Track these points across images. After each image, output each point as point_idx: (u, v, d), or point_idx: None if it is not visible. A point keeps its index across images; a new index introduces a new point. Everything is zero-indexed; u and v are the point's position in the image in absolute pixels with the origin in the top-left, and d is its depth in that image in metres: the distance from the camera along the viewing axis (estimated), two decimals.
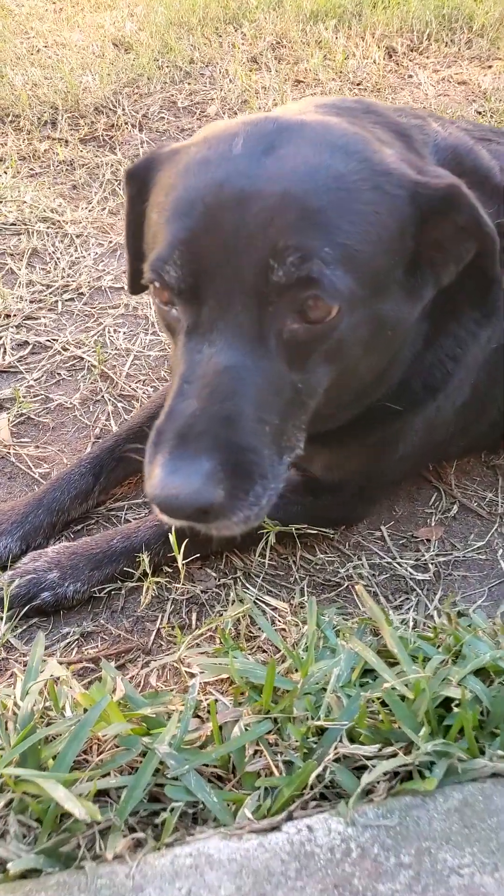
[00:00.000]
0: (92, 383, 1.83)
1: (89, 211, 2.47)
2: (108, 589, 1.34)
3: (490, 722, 0.98)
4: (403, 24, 3.79)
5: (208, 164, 0.99)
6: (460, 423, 1.43)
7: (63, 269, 2.20)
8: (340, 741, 0.94)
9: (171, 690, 1.12)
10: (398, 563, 1.45)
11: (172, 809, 0.88)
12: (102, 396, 1.80)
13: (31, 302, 2.07)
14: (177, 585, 1.36)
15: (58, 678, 1.04)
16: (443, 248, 1.07)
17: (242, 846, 0.83)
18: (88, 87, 3.13)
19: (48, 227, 2.38)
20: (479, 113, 3.16)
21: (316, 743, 0.96)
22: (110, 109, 3.05)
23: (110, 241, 2.34)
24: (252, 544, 1.43)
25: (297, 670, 1.07)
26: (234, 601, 1.34)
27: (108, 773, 0.92)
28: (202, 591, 1.36)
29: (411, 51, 3.68)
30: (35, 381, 1.83)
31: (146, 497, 0.93)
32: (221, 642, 1.18)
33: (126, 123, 2.97)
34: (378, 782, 0.91)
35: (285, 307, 0.95)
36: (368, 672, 1.06)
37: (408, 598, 1.39)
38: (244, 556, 1.43)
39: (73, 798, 0.82)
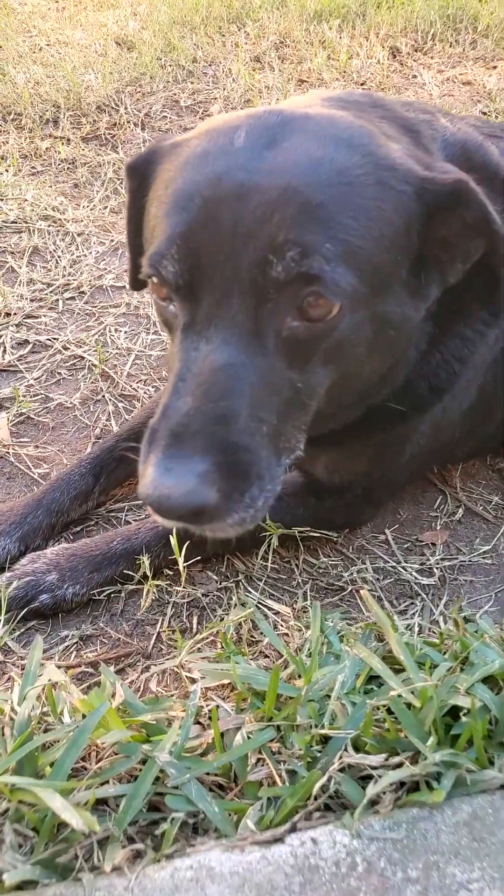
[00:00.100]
0: (92, 383, 1.81)
1: (91, 209, 2.45)
2: (107, 591, 1.32)
3: (499, 732, 0.96)
4: (408, 24, 3.77)
5: (208, 156, 0.97)
6: (467, 425, 1.40)
7: (64, 267, 2.19)
8: (345, 750, 0.92)
9: (172, 696, 1.10)
10: (403, 568, 1.43)
11: (173, 820, 0.86)
12: (103, 396, 1.78)
13: (31, 300, 2.05)
14: (177, 588, 1.34)
15: (56, 683, 1.01)
16: (450, 246, 1.05)
17: (245, 859, 0.81)
18: (91, 86, 3.11)
19: (49, 226, 2.36)
20: (485, 113, 3.14)
21: (320, 752, 0.94)
22: (112, 108, 3.03)
23: (111, 240, 2.32)
24: (254, 547, 1.41)
25: (300, 676, 1.05)
26: (235, 605, 1.32)
27: (107, 782, 0.90)
28: (203, 595, 1.34)
29: (415, 51, 3.66)
30: (35, 380, 1.81)
31: (140, 497, 0.91)
32: (223, 647, 1.16)
33: (128, 122, 2.95)
34: (384, 793, 0.89)
35: (285, 304, 0.93)
36: (373, 679, 1.04)
37: (412, 603, 1.37)
38: (246, 559, 1.41)
39: (70, 808, 0.81)
